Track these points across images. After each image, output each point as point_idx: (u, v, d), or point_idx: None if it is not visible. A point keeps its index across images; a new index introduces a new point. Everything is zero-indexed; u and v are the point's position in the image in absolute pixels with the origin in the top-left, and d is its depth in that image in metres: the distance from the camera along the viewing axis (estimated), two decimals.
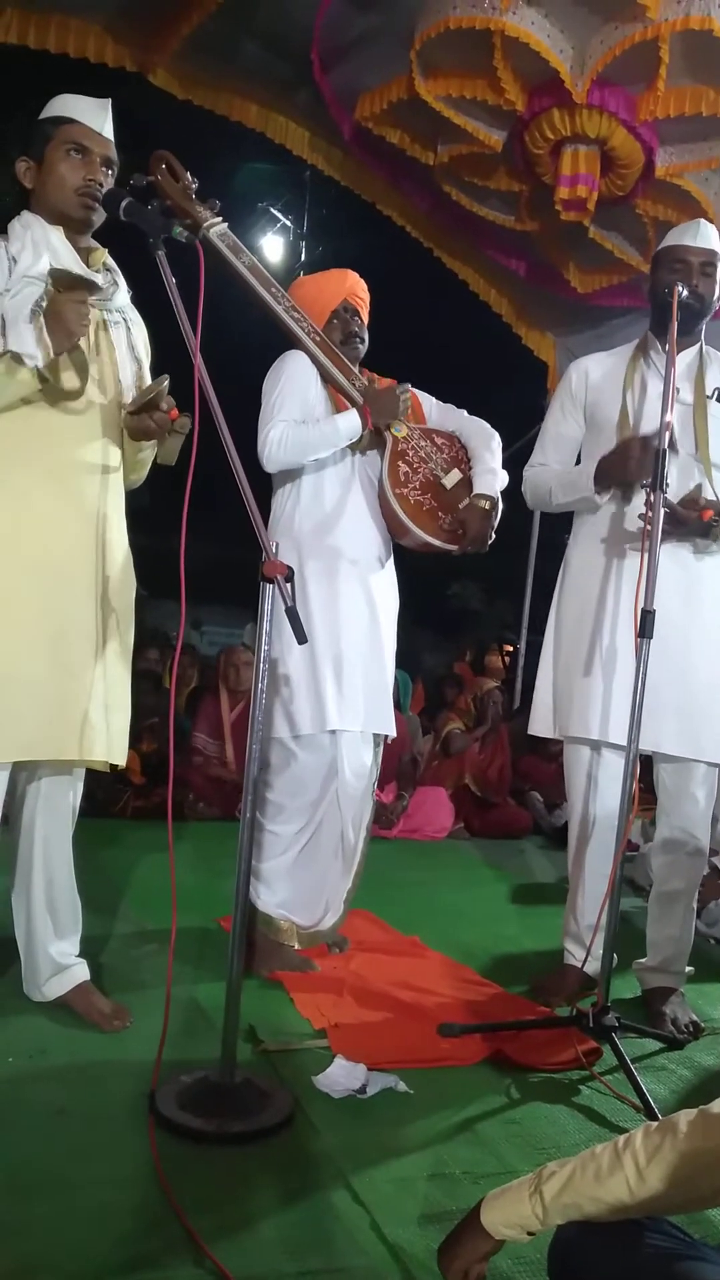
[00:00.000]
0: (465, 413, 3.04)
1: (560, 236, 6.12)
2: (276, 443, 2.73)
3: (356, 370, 2.93)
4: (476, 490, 2.86)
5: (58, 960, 2.34)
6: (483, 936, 3.42)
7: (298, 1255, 1.52)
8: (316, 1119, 1.95)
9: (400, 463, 2.85)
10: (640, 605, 2.33)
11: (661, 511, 2.36)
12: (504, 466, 2.95)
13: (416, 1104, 2.07)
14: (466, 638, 11.96)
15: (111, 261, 2.32)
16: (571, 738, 2.78)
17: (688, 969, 2.81)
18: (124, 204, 2.07)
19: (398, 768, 5.54)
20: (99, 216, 2.23)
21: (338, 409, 2.83)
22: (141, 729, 4.94)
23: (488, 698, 6.48)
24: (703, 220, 2.78)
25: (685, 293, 2.58)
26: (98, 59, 5.65)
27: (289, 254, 11.66)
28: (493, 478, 2.88)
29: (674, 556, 2.61)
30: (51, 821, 2.31)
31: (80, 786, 2.37)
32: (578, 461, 2.89)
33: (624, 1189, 1.17)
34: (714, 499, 2.62)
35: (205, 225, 2.56)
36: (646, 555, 2.33)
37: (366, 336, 2.99)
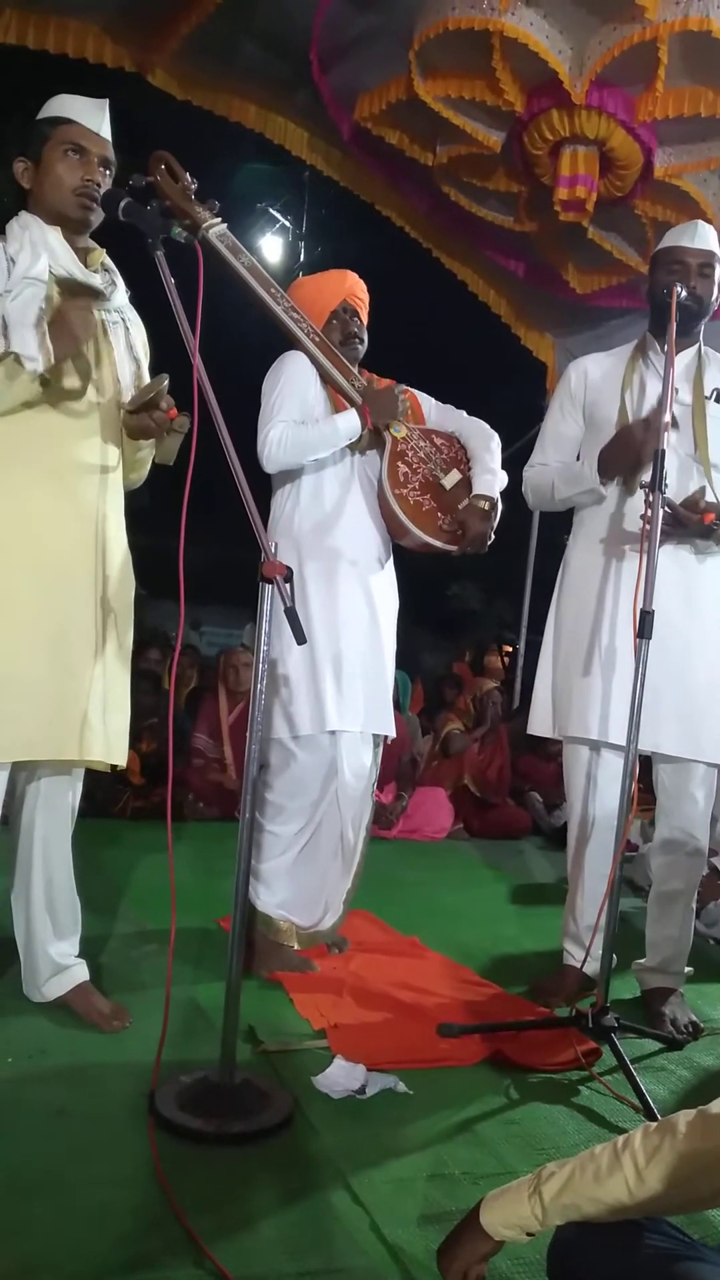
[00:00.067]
0: (464, 413, 3.05)
1: (559, 237, 6.12)
2: (276, 443, 2.73)
3: (356, 371, 2.93)
4: (476, 491, 2.86)
5: (57, 961, 2.34)
6: (482, 937, 3.42)
7: (297, 1255, 1.52)
8: (316, 1119, 1.95)
9: (400, 463, 2.85)
10: (639, 605, 2.33)
11: (661, 512, 2.36)
12: (503, 467, 2.95)
13: (416, 1104, 2.07)
14: (466, 638, 11.95)
15: (110, 262, 2.32)
16: (571, 738, 2.78)
17: (687, 969, 2.81)
18: (123, 204, 2.07)
19: (397, 768, 5.54)
20: (97, 217, 2.23)
21: (337, 409, 2.83)
22: (141, 729, 4.93)
23: (487, 698, 6.49)
24: (700, 221, 2.79)
25: (684, 294, 2.58)
26: (96, 59, 5.65)
27: (288, 254, 11.65)
28: (492, 478, 2.88)
29: (674, 557, 2.61)
30: (51, 822, 2.31)
31: (80, 786, 2.37)
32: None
33: (623, 1190, 1.17)
34: (715, 502, 2.61)
35: (204, 226, 2.56)
36: (646, 556, 2.33)
37: (366, 337, 2.99)
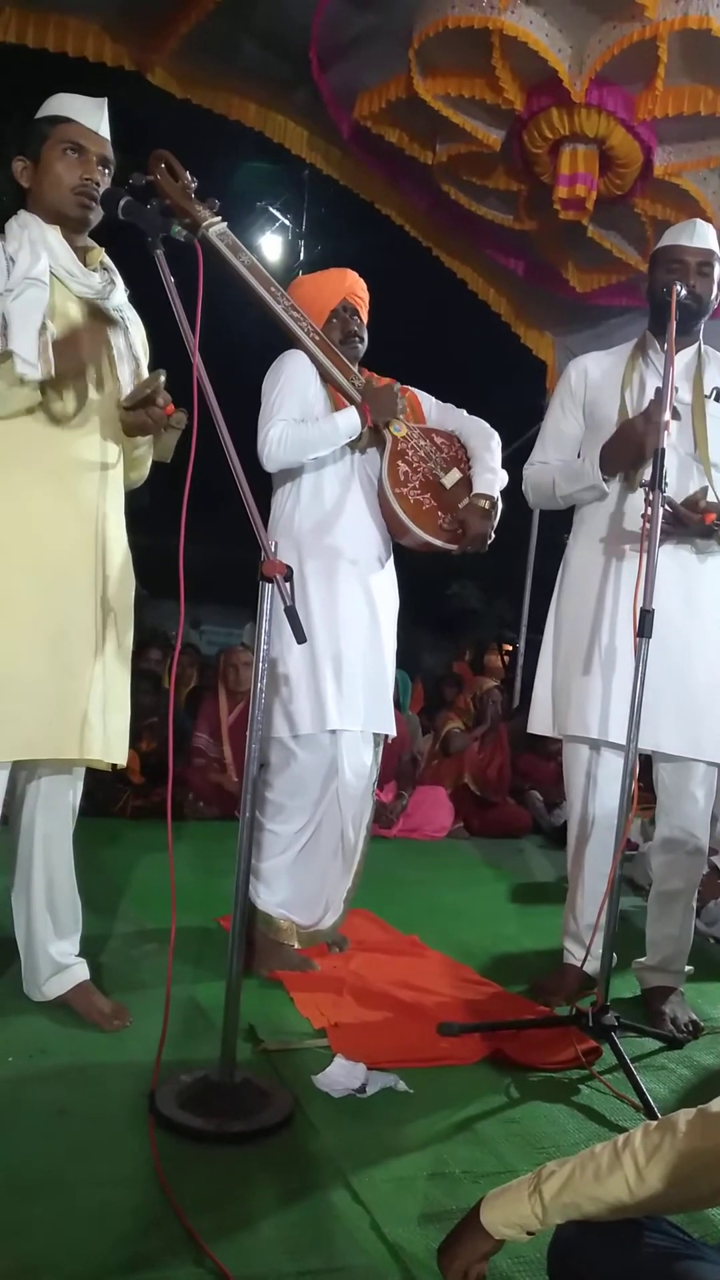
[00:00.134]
0: (465, 412, 3.05)
1: (559, 236, 6.12)
2: (276, 442, 2.73)
3: (356, 369, 2.93)
4: (476, 490, 2.86)
5: (58, 960, 2.34)
6: (482, 936, 3.42)
7: (298, 1255, 1.52)
8: (316, 1118, 1.95)
9: (400, 462, 2.85)
10: (639, 604, 2.33)
11: (661, 511, 2.36)
12: (503, 466, 2.95)
13: (416, 1103, 2.07)
14: (466, 637, 11.95)
15: (109, 260, 2.32)
16: (571, 737, 2.78)
17: (687, 968, 2.81)
18: (122, 203, 2.07)
19: (397, 767, 5.54)
20: (96, 215, 2.23)
21: (337, 408, 2.83)
22: (141, 728, 4.93)
23: (487, 697, 6.49)
24: (699, 220, 2.79)
25: (683, 292, 2.58)
26: (96, 58, 5.65)
27: (288, 253, 11.66)
28: (492, 477, 2.88)
29: (674, 556, 2.61)
30: (51, 821, 2.31)
31: (80, 786, 2.37)
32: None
33: (623, 1188, 1.17)
34: (715, 501, 2.61)
35: (204, 224, 2.56)
36: (646, 555, 2.33)
37: (366, 336, 2.99)
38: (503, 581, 12.70)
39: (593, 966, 2.62)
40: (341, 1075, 2.11)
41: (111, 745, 2.24)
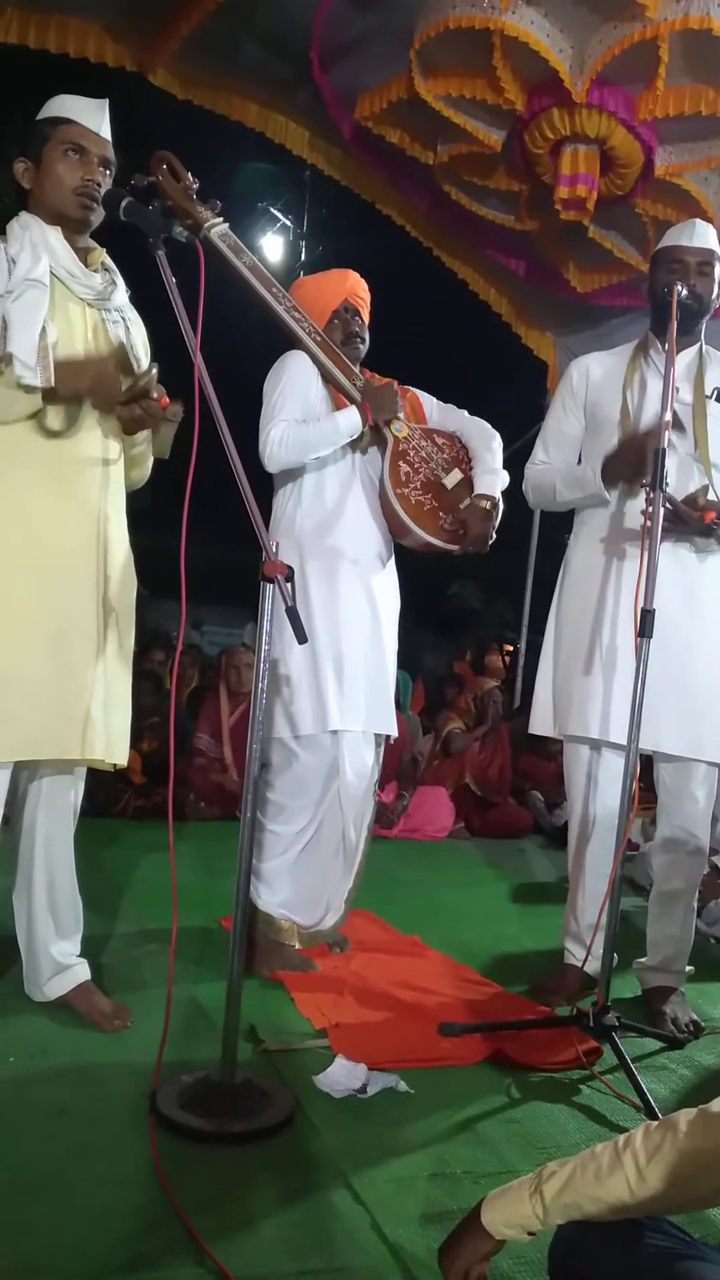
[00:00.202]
0: (466, 413, 3.05)
1: (560, 236, 6.12)
2: (278, 442, 2.73)
3: (357, 370, 2.93)
4: (477, 490, 2.86)
5: (59, 960, 2.34)
6: (483, 936, 3.42)
7: (298, 1255, 1.52)
8: (317, 1119, 1.96)
9: (401, 463, 2.85)
10: (640, 604, 2.33)
11: (661, 511, 2.36)
12: (504, 466, 2.95)
13: (417, 1104, 2.07)
14: (466, 637, 11.97)
15: (110, 261, 2.32)
16: (571, 737, 2.78)
17: (688, 968, 2.81)
18: (124, 204, 2.07)
19: (398, 767, 5.54)
20: (97, 216, 2.23)
21: (339, 409, 2.83)
22: (142, 729, 4.94)
23: (488, 697, 6.49)
24: (699, 220, 2.79)
25: (684, 292, 2.58)
26: (98, 59, 5.65)
27: (289, 253, 11.67)
28: (494, 478, 2.89)
29: (674, 556, 2.62)
30: (53, 821, 2.31)
31: (81, 786, 2.37)
32: (579, 460, 2.89)
33: (624, 1188, 1.17)
34: (716, 500, 2.61)
35: (206, 225, 2.56)
36: (646, 555, 2.33)
37: (367, 336, 2.99)
38: (503, 582, 12.71)
39: (593, 967, 2.62)
40: (342, 1075, 2.11)
41: (113, 745, 2.24)
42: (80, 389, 2.13)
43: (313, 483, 2.86)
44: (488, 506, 2.84)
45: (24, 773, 2.27)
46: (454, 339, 12.02)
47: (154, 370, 2.15)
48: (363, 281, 3.01)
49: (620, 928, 2.45)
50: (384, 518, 2.91)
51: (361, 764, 2.89)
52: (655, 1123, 1.21)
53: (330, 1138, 1.89)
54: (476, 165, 5.82)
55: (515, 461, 2.95)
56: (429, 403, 3.05)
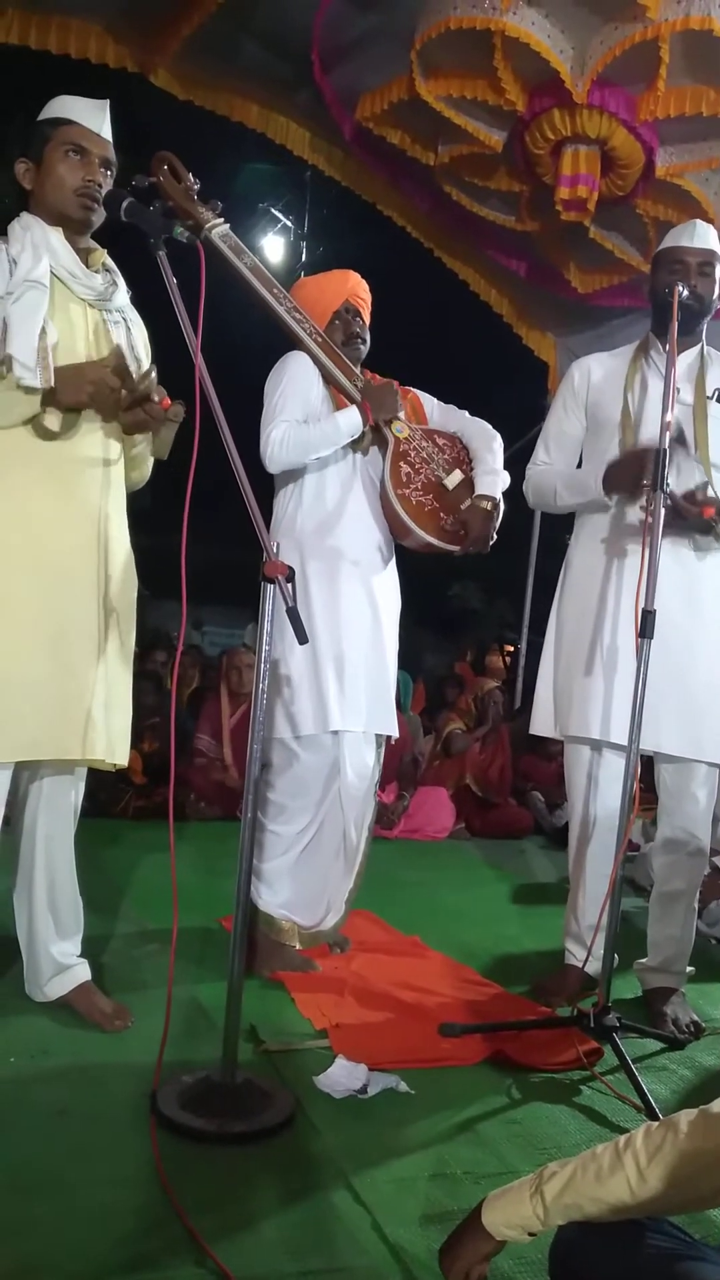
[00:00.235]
0: (466, 414, 3.05)
1: (561, 236, 6.12)
2: (279, 443, 2.73)
3: (358, 371, 2.93)
4: (478, 491, 2.86)
5: (59, 960, 2.34)
6: (484, 936, 3.42)
7: (299, 1255, 1.52)
8: (318, 1119, 1.96)
9: (402, 464, 2.85)
10: (641, 605, 2.33)
11: (662, 511, 2.36)
12: (505, 466, 2.95)
13: (418, 1104, 2.07)
14: (467, 638, 11.98)
15: (111, 262, 2.32)
16: (572, 737, 2.78)
17: (689, 969, 2.81)
18: (125, 204, 2.08)
19: (399, 768, 5.54)
20: (98, 217, 2.23)
21: (340, 409, 2.83)
22: (143, 729, 4.93)
23: (488, 698, 6.49)
24: (699, 221, 2.79)
25: (685, 293, 2.58)
26: (98, 60, 5.65)
27: (290, 254, 11.67)
28: (494, 479, 2.89)
29: (675, 556, 2.62)
30: (53, 821, 2.31)
31: (82, 786, 2.37)
32: (579, 461, 2.90)
33: (625, 1189, 1.17)
34: (715, 497, 2.61)
35: (207, 226, 2.56)
36: (647, 555, 2.33)
37: (368, 337, 2.99)
38: (504, 582, 12.71)
39: (594, 967, 2.61)
40: (343, 1076, 2.11)
41: (114, 746, 2.24)
42: (81, 400, 2.13)
43: (314, 483, 2.86)
44: (489, 507, 2.84)
45: (25, 773, 2.27)
46: (455, 340, 12.02)
47: (152, 372, 2.15)
48: (364, 282, 3.02)
49: (621, 928, 2.45)
50: (385, 518, 2.91)
51: (362, 764, 2.89)
52: (656, 1123, 1.21)
53: (331, 1138, 1.89)
54: (477, 166, 5.82)
55: (516, 462, 2.95)
56: (430, 403, 3.05)
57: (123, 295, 2.31)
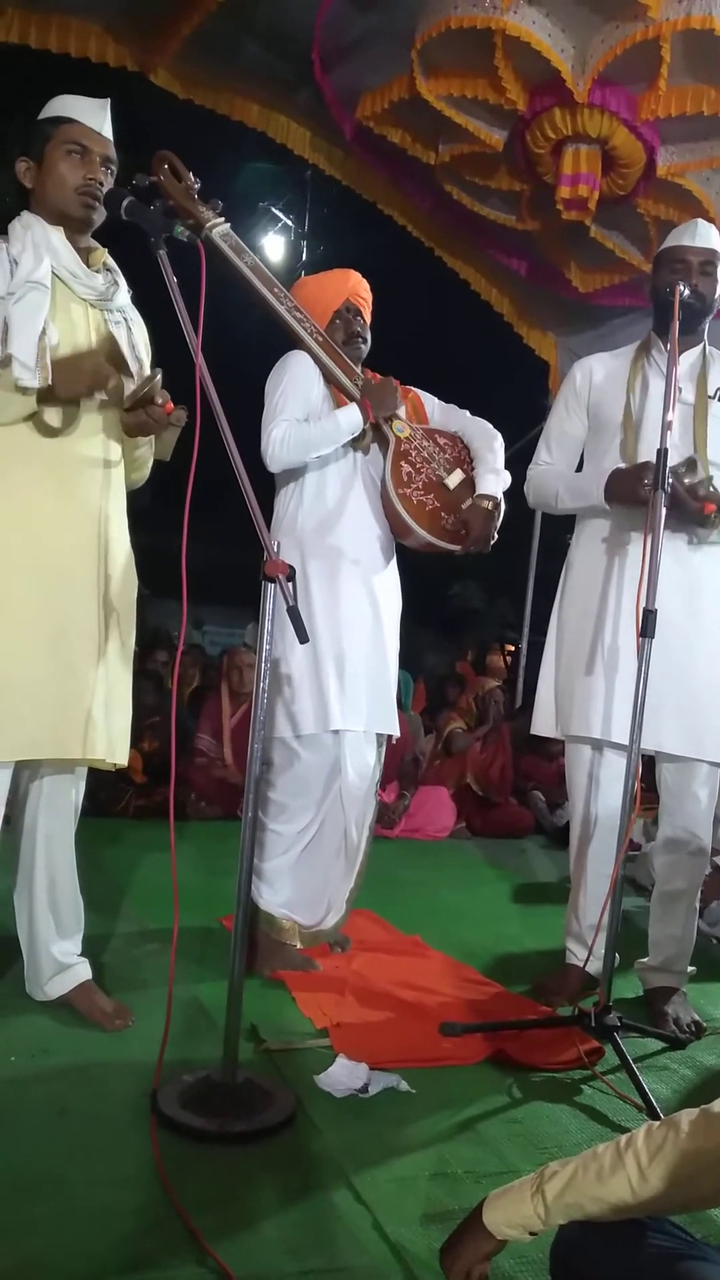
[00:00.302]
0: (467, 413, 3.05)
1: (561, 236, 6.12)
2: (279, 442, 2.73)
3: (359, 370, 2.93)
4: (479, 491, 2.86)
5: (60, 959, 2.34)
6: (484, 936, 3.42)
7: (300, 1254, 1.52)
8: (318, 1118, 1.96)
9: (403, 463, 2.85)
10: (642, 604, 2.33)
11: (663, 512, 2.36)
12: (506, 466, 2.95)
13: (418, 1103, 2.07)
14: (468, 637, 11.99)
15: (111, 261, 2.32)
16: (573, 737, 2.78)
17: (690, 968, 2.81)
18: (125, 203, 2.07)
19: (399, 767, 5.54)
20: (99, 216, 2.23)
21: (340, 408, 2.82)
22: (144, 728, 4.93)
23: (489, 697, 6.49)
24: (701, 220, 2.79)
25: (686, 292, 2.57)
26: (99, 59, 5.64)
27: (290, 253, 11.68)
28: (495, 478, 2.89)
29: (675, 554, 2.61)
30: (54, 820, 2.31)
31: (82, 785, 2.37)
32: (580, 460, 2.89)
33: (626, 1189, 1.17)
34: (715, 492, 2.61)
35: (208, 225, 2.56)
36: (648, 554, 2.33)
37: (369, 336, 2.99)
38: (505, 582, 12.72)
39: (595, 967, 2.61)
40: (344, 1075, 2.11)
41: (114, 745, 2.24)
42: (80, 391, 2.13)
43: (314, 482, 2.86)
44: (489, 507, 2.84)
45: (25, 772, 2.27)
46: (455, 339, 12.03)
47: (158, 376, 2.15)
48: (364, 281, 3.01)
49: (622, 928, 2.45)
50: (386, 518, 2.91)
51: (363, 764, 2.89)
52: (657, 1123, 1.21)
53: (331, 1137, 1.89)
54: (478, 165, 5.82)
55: (517, 462, 2.95)
56: (431, 403, 3.05)
57: (124, 295, 2.31)
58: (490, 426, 3.00)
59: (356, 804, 2.89)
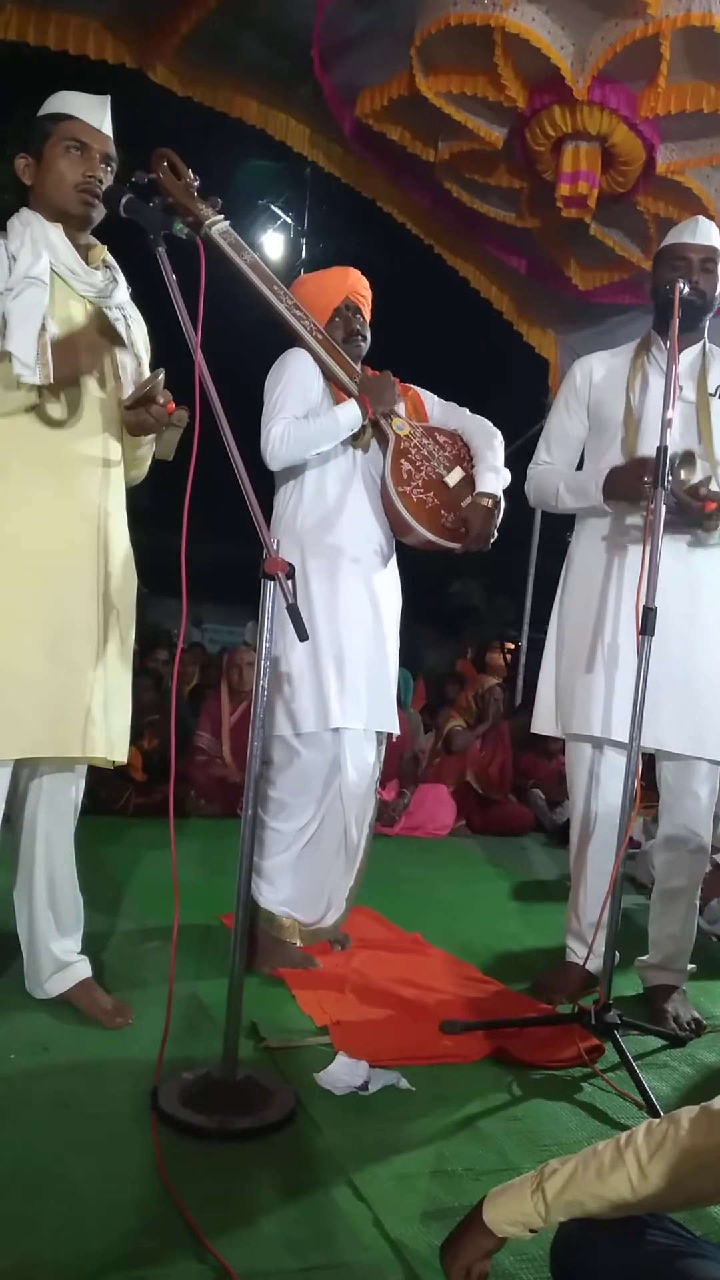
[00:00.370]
0: (467, 411, 3.05)
1: (561, 233, 6.12)
2: (279, 439, 2.73)
3: (359, 368, 2.92)
4: (479, 488, 2.86)
5: (60, 957, 2.34)
6: (484, 934, 3.42)
7: (300, 1252, 1.52)
8: (318, 1116, 1.96)
9: (403, 461, 2.85)
10: (642, 602, 2.33)
11: (663, 509, 2.36)
12: (506, 464, 2.95)
13: (418, 1101, 2.07)
14: (468, 635, 11.98)
15: (111, 258, 2.31)
16: (573, 735, 2.78)
17: (690, 966, 2.81)
18: (124, 200, 2.07)
19: (399, 765, 5.54)
20: (98, 213, 2.22)
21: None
22: (143, 726, 4.93)
23: (489, 695, 6.48)
24: (701, 217, 2.78)
25: (686, 289, 2.57)
26: (97, 56, 5.64)
27: (289, 251, 11.66)
28: (495, 476, 2.88)
29: (675, 553, 2.61)
30: (53, 818, 2.31)
31: (82, 783, 2.37)
32: (581, 459, 2.89)
33: (626, 1186, 1.17)
34: (717, 491, 2.61)
35: (207, 222, 2.55)
36: (648, 552, 2.33)
37: (369, 334, 2.98)
38: (505, 580, 12.72)
39: (595, 964, 2.62)
40: (344, 1073, 2.11)
41: (114, 743, 2.24)
42: (78, 367, 2.12)
43: (314, 480, 2.85)
44: (489, 504, 2.83)
45: (24, 770, 2.27)
46: (455, 336, 12.03)
47: (160, 376, 2.15)
48: (364, 279, 3.01)
49: (622, 926, 2.45)
50: (385, 516, 2.90)
51: (363, 761, 2.89)
52: (657, 1120, 1.21)
53: (331, 1135, 1.89)
54: (477, 162, 5.81)
55: (517, 459, 2.95)
56: (430, 401, 3.05)
57: (123, 292, 2.31)
58: (490, 424, 3.00)
59: (356, 802, 2.89)
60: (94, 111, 2.22)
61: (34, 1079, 2.02)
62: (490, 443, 2.94)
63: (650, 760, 2.78)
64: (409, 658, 4.03)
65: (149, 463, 2.41)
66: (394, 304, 4.41)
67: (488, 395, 4.06)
